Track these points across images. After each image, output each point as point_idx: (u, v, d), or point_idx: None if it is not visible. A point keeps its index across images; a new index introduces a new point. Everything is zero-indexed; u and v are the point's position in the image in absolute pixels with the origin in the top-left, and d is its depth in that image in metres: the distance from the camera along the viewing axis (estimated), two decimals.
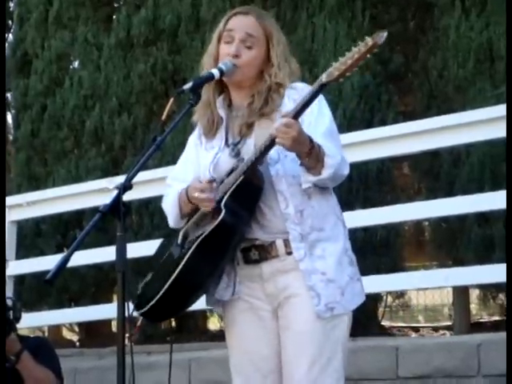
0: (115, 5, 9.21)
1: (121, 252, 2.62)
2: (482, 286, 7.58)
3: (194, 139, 3.12)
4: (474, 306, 9.34)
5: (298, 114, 2.72)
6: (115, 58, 8.30)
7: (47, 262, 6.39)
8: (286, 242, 2.86)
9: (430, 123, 5.47)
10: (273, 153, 2.83)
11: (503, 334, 5.41)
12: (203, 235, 2.80)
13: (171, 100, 2.81)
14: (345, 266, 2.90)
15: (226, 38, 2.98)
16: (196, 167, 3.05)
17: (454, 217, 6.25)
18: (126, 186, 2.67)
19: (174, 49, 8.17)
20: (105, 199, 2.74)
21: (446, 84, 6.88)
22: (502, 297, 7.95)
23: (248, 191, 2.84)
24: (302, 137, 2.71)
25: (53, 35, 8.71)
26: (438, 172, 6.83)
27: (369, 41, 2.66)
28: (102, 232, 6.97)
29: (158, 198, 7.10)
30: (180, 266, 2.81)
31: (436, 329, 8.65)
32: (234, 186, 2.82)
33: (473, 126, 5.23)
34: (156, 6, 8.22)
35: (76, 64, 8.97)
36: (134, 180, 2.72)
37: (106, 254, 6.31)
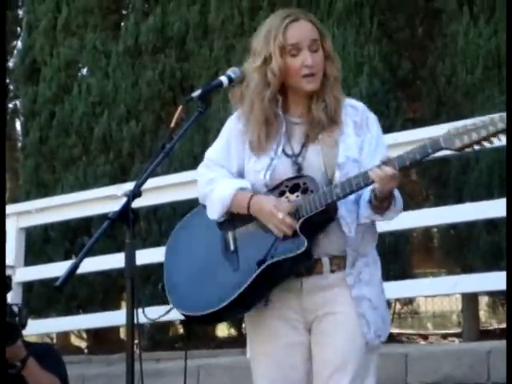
0: (123, 12, 9.23)
1: (130, 259, 2.62)
2: (490, 293, 7.56)
3: (238, 128, 2.99)
4: (483, 313, 9.31)
5: (403, 168, 2.69)
6: (123, 66, 8.32)
7: (55, 269, 6.40)
8: (332, 261, 2.85)
9: (438, 130, 5.45)
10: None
11: None
12: (279, 258, 2.76)
13: (180, 108, 2.81)
14: (382, 294, 2.95)
15: (291, 51, 2.88)
16: (240, 161, 2.96)
17: (463, 223, 6.23)
18: (136, 193, 2.67)
19: (182, 56, 8.18)
20: (113, 206, 2.75)
21: (455, 90, 6.87)
22: None
23: (322, 220, 2.81)
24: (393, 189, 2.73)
25: (61, 43, 8.74)
26: (446, 178, 6.82)
27: (500, 123, 2.60)
28: (111, 239, 6.98)
29: (167, 205, 7.18)
30: (249, 281, 2.77)
31: (445, 336, 8.62)
32: (311, 214, 2.77)
33: None
34: (164, 14, 8.24)
35: (84, 71, 8.99)
36: (143, 187, 2.72)
37: (114, 261, 6.31)
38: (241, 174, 2.97)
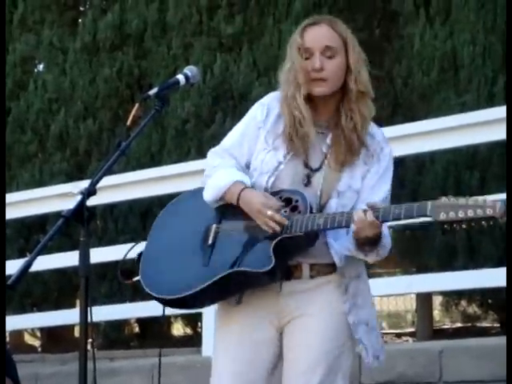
0: (81, 9, 9.16)
1: (84, 257, 2.61)
2: (444, 293, 7.63)
3: (259, 119, 2.92)
4: (436, 313, 9.40)
5: (384, 221, 2.67)
6: (81, 62, 8.27)
7: (9, 267, 6.33)
8: (312, 267, 2.84)
9: (394, 131, 5.50)
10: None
11: (465, 341, 5.47)
12: (241, 269, 2.74)
13: (136, 105, 2.80)
14: (374, 311, 2.97)
15: (304, 54, 2.85)
16: (250, 155, 2.91)
17: (418, 224, 6.28)
18: (91, 191, 2.66)
19: (140, 54, 8.15)
20: (69, 204, 2.73)
21: (411, 92, 6.93)
22: (464, 304, 8.02)
23: (298, 243, 2.78)
24: (373, 237, 2.69)
25: (17, 38, 8.65)
26: (402, 179, 6.87)
27: (489, 207, 2.53)
28: (66, 237, 6.94)
29: (123, 204, 7.14)
30: (211, 280, 2.76)
31: (399, 335, 8.70)
32: (289, 235, 2.74)
33: (437, 133, 5.27)
34: (122, 11, 8.19)
35: (41, 67, 8.91)
36: (99, 185, 2.71)
37: (69, 259, 6.26)
38: (248, 167, 2.93)
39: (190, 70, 2.95)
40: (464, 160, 6.36)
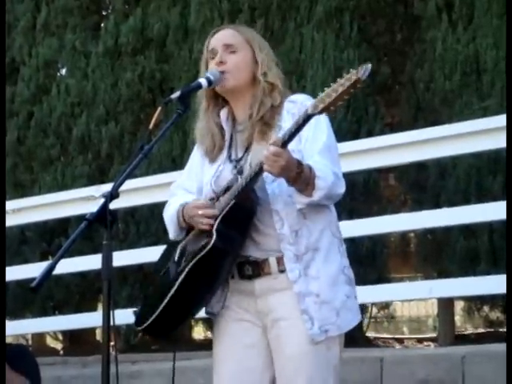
0: (103, 13, 9.20)
1: (107, 260, 2.62)
2: (466, 298, 7.59)
3: (200, 150, 3.11)
4: (458, 318, 9.35)
5: (286, 142, 2.71)
6: (103, 66, 8.29)
7: (32, 270, 6.38)
8: (279, 260, 2.85)
9: (416, 135, 5.50)
10: None
11: (487, 346, 5.43)
12: (195, 259, 2.79)
13: (159, 109, 2.81)
14: (341, 285, 2.89)
15: (210, 56, 3.02)
16: (200, 178, 3.05)
17: (440, 229, 6.26)
18: (113, 195, 2.67)
19: (161, 58, 8.17)
20: (91, 207, 2.75)
21: (433, 96, 6.90)
22: (486, 309, 7.96)
23: (240, 214, 2.83)
24: (289, 164, 2.70)
25: (40, 42, 8.69)
26: (424, 184, 6.84)
27: (352, 75, 2.61)
28: (88, 240, 6.96)
29: (144, 207, 7.16)
30: (175, 287, 2.81)
31: (420, 340, 8.65)
32: (225, 210, 2.81)
33: (459, 138, 5.26)
34: (144, 15, 8.22)
35: (63, 71, 8.95)
36: (121, 188, 2.72)
37: (91, 263, 6.29)
38: (201, 191, 3.04)
39: (212, 73, 2.95)
40: (486, 165, 6.32)
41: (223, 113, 3.03)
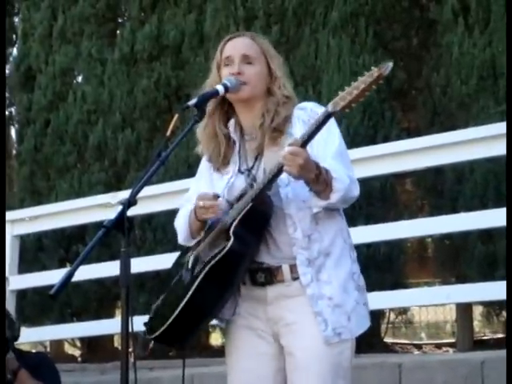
0: (119, 20, 9.23)
1: (125, 267, 2.62)
2: (485, 303, 7.56)
3: (206, 162, 3.10)
4: (477, 323, 9.31)
5: (305, 142, 2.71)
6: (119, 73, 8.32)
7: (49, 277, 6.39)
8: (293, 268, 2.85)
9: (433, 140, 5.47)
10: (283, 176, 2.80)
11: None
12: (212, 263, 2.79)
13: (176, 116, 2.81)
14: (351, 291, 2.89)
15: (225, 62, 3.00)
16: (209, 190, 3.03)
17: (457, 233, 6.23)
18: (131, 202, 2.67)
19: (177, 64, 8.19)
20: (107, 214, 2.75)
21: (450, 101, 6.88)
22: (505, 314, 7.92)
23: (257, 218, 2.83)
24: (309, 164, 2.70)
25: (57, 50, 8.74)
26: (441, 188, 6.82)
27: (374, 71, 2.63)
28: (105, 247, 6.97)
29: (161, 214, 7.17)
30: (190, 293, 2.80)
31: (439, 346, 8.62)
32: (242, 213, 2.81)
33: (476, 142, 5.23)
34: (160, 22, 8.24)
35: (80, 79, 8.99)
36: (138, 195, 2.72)
37: (108, 269, 6.30)
38: None
39: (229, 80, 2.95)
40: (503, 169, 6.29)
41: (231, 124, 3.03)
